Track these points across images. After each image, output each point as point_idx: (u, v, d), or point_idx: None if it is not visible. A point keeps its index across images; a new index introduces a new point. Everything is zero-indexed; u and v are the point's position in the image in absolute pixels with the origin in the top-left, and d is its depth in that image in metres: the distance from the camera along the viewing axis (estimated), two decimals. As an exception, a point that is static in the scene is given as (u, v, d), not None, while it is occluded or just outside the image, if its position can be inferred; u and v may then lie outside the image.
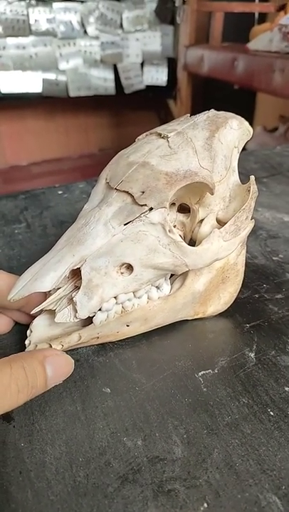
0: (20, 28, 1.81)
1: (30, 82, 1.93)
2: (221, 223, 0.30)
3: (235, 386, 0.26)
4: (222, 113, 0.31)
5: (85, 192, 0.55)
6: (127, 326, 0.28)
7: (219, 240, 0.28)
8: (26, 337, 0.27)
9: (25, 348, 0.26)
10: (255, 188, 0.30)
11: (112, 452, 0.22)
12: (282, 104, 1.73)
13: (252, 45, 1.30)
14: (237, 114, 0.33)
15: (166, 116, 2.39)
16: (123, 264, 0.26)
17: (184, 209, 0.31)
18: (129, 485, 0.21)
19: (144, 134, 0.30)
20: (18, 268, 0.38)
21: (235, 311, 0.33)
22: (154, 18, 1.99)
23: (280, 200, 0.53)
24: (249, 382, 0.27)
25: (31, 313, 0.26)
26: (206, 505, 0.20)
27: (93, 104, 2.25)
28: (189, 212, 0.31)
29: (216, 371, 0.27)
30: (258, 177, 0.60)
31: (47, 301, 0.25)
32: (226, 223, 0.28)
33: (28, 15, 1.79)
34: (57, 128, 2.36)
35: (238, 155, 0.31)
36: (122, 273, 0.26)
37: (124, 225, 0.25)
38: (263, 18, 1.76)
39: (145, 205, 0.25)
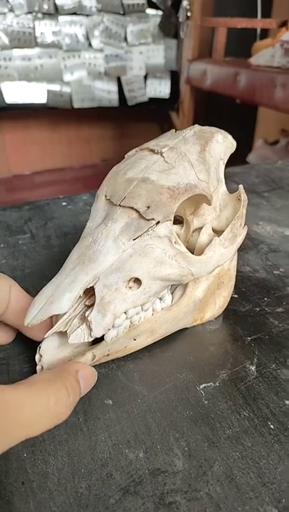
0: (26, 40, 1.84)
1: (35, 93, 1.95)
2: (215, 231, 0.31)
3: (236, 399, 0.27)
4: (207, 128, 0.33)
5: (89, 204, 0.56)
6: (134, 340, 0.28)
7: (220, 247, 0.29)
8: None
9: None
10: (245, 196, 0.31)
11: (114, 464, 0.22)
12: (283, 118, 1.75)
13: (254, 60, 1.32)
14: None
15: (168, 128, 2.40)
16: (131, 279, 0.26)
17: (175, 221, 0.32)
18: (131, 497, 0.21)
19: (134, 150, 0.31)
20: (21, 278, 0.39)
21: (237, 323, 0.33)
22: (158, 32, 2.02)
23: (281, 214, 0.53)
24: (250, 395, 0.27)
25: (45, 336, 0.26)
26: (206, 518, 0.20)
27: (96, 115, 2.27)
28: (181, 223, 0.32)
29: (217, 384, 0.28)
30: (259, 191, 0.60)
31: (58, 323, 0.25)
32: (219, 231, 0.29)
33: (34, 27, 1.82)
34: (60, 138, 2.38)
35: (223, 166, 0.33)
36: (130, 287, 0.26)
37: (134, 240, 0.25)
38: (265, 33, 1.79)
39: (152, 219, 0.25)
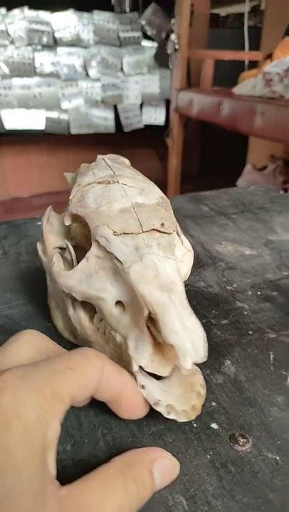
0: (26, 70, 1.93)
1: (33, 120, 2.03)
2: None
3: (167, 401, 0.29)
4: (109, 155, 0.37)
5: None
6: None
7: None
8: None
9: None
10: None
11: (42, 455, 0.25)
12: (273, 144, 1.81)
13: (237, 89, 1.39)
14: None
15: (164, 153, 2.48)
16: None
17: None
18: (52, 483, 0.23)
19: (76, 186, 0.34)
20: (-13, 291, 0.41)
21: (181, 334, 0.36)
22: (153, 62, 2.11)
23: (245, 235, 0.56)
24: (180, 397, 0.29)
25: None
26: (117, 502, 0.22)
27: (93, 141, 2.35)
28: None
29: (152, 387, 0.30)
30: (228, 213, 0.64)
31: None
32: None
33: (33, 58, 1.92)
34: (58, 163, 2.45)
35: None
36: None
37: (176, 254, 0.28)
38: (254, 63, 1.87)
39: (173, 231, 0.28)
